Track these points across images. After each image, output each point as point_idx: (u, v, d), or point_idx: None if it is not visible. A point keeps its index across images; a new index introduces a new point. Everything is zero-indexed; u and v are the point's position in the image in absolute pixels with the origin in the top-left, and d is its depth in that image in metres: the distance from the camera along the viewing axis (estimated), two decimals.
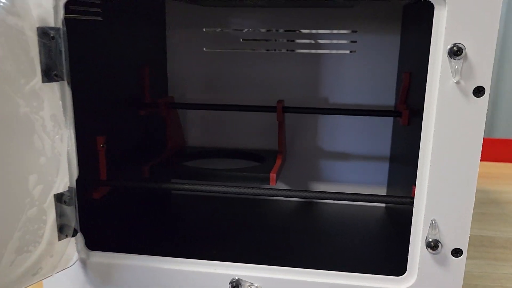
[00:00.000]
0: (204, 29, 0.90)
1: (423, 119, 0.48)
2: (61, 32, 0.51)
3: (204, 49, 0.91)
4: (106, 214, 0.69)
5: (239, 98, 0.92)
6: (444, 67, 0.45)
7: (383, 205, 0.90)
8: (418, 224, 0.51)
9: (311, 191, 0.63)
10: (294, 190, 0.63)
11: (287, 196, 0.63)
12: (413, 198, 0.51)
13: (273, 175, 0.72)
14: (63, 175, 0.55)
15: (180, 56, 0.92)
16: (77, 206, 0.56)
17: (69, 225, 0.56)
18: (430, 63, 0.46)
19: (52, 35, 0.51)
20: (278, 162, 0.79)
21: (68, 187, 0.56)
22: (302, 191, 0.63)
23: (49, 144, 0.53)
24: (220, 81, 0.92)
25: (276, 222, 0.84)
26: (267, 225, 0.82)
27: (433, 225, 0.49)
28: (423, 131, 0.48)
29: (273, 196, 0.65)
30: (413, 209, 0.51)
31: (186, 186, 0.66)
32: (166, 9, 0.90)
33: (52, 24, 0.50)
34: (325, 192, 0.62)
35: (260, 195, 0.65)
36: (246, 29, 0.89)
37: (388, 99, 0.87)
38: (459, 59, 0.44)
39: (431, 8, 0.46)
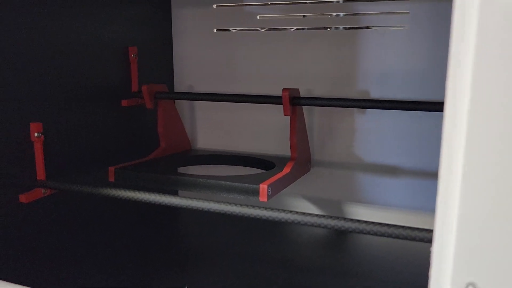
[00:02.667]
0: (214, 6, 0.73)
1: (446, 86, 0.24)
2: None
3: (215, 30, 0.74)
4: (36, 226, 0.54)
5: (257, 88, 0.72)
6: None
7: None
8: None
9: (331, 218, 0.42)
10: (303, 214, 0.43)
11: (292, 221, 0.43)
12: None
13: (263, 186, 0.51)
14: None
15: (185, 39, 0.76)
16: None
17: None
18: None
19: None
20: (285, 170, 0.59)
21: None
22: (315, 216, 0.42)
23: None
24: (233, 68, 0.74)
25: (291, 255, 0.62)
26: (277, 259, 0.61)
27: None
28: (447, 109, 0.24)
29: (271, 218, 0.44)
30: (431, 263, 0.27)
31: (135, 195, 0.48)
32: None
33: None
34: (352, 220, 0.41)
35: (248, 215, 0.45)
36: (265, 3, 0.71)
37: None
38: None
39: None
